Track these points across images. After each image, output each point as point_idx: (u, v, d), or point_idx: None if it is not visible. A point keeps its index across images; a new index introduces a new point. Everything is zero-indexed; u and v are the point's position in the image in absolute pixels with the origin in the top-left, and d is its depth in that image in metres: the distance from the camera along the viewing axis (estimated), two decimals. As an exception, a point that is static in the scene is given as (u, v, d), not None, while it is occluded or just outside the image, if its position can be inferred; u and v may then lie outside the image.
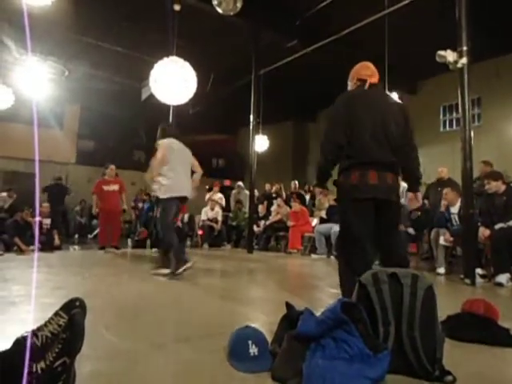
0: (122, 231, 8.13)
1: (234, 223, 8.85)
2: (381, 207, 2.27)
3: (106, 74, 10.42)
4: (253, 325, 1.81)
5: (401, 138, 2.32)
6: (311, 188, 9.84)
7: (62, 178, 10.38)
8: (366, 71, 2.47)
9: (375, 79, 2.46)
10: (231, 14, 5.49)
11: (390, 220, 2.34)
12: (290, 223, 7.54)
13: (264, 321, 2.23)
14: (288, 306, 1.81)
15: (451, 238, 4.57)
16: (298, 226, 7.41)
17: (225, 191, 10.27)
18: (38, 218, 6.35)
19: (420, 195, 2.65)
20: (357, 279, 1.61)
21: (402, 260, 2.22)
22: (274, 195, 9.06)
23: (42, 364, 1.09)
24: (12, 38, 7.24)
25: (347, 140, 2.27)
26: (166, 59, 5.65)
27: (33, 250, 6.06)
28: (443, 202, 4.85)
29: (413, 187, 2.51)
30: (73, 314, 1.17)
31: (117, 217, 6.98)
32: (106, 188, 6.72)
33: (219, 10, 5.36)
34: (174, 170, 3.91)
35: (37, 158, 7.43)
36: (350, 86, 2.54)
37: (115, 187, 6.79)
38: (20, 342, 1.13)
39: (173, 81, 5.49)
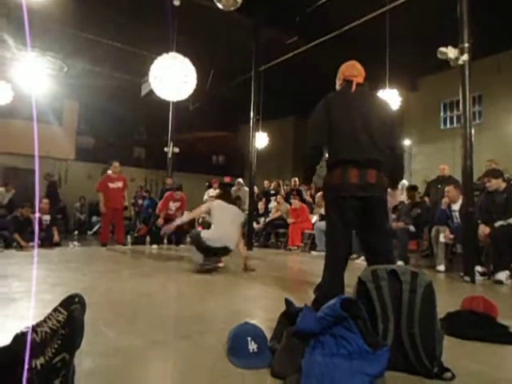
0: (125, 228, 8.11)
1: (234, 220, 8.81)
2: (363, 206, 2.28)
3: (105, 70, 10.39)
4: (252, 321, 1.81)
5: (387, 136, 2.34)
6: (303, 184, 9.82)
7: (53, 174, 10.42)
8: (352, 71, 2.48)
9: (361, 79, 2.46)
10: (231, 9, 5.46)
11: (372, 218, 2.32)
12: (289, 220, 7.53)
13: (263, 317, 2.23)
14: (287, 302, 1.81)
15: (452, 236, 4.57)
16: (297, 223, 7.40)
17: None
18: (37, 214, 6.35)
19: (397, 194, 2.67)
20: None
21: (388, 262, 1.98)
22: (272, 192, 9.04)
23: (41, 360, 1.09)
24: (11, 34, 7.21)
25: (329, 140, 2.33)
26: (165, 55, 5.63)
27: (32, 247, 6.05)
28: (445, 200, 4.84)
29: (390, 185, 2.50)
30: (72, 309, 1.17)
31: (120, 214, 6.96)
32: (111, 185, 6.66)
33: (219, 6, 5.32)
34: None
35: (36, 153, 7.39)
36: (338, 85, 2.58)
37: (120, 184, 6.75)
38: (19, 338, 1.13)
39: (172, 77, 5.47)
